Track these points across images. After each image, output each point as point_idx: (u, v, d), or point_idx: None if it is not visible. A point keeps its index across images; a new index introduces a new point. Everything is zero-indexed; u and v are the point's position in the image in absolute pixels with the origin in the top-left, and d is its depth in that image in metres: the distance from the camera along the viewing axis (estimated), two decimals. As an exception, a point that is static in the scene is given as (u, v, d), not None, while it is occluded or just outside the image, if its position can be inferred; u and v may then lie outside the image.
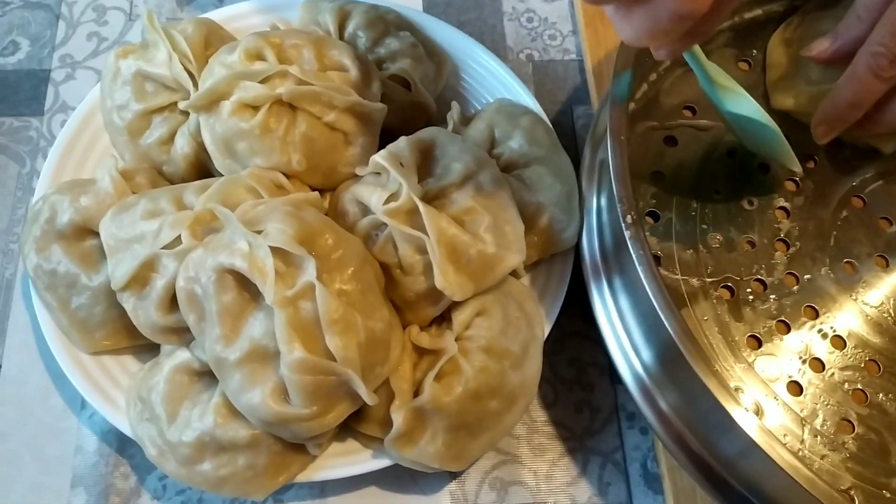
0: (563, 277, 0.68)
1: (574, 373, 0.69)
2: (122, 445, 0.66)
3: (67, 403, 0.67)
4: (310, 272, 0.56)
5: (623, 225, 0.55)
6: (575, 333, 0.70)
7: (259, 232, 0.57)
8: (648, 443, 0.67)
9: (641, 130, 0.70)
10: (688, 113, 0.74)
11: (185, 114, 0.69)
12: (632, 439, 0.67)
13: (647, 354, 0.58)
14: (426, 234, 0.60)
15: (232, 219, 0.57)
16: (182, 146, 0.68)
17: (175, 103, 0.69)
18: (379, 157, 0.62)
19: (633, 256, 0.54)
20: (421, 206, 0.60)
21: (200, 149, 0.68)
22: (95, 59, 0.80)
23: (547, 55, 0.82)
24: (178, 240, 0.61)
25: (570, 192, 0.67)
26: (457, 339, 0.61)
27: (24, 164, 0.76)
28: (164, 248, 0.60)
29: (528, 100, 0.73)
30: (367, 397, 0.56)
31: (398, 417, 0.58)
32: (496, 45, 0.81)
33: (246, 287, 0.57)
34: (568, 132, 0.77)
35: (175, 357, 0.61)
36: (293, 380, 0.55)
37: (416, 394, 0.60)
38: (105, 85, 0.71)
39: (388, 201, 0.61)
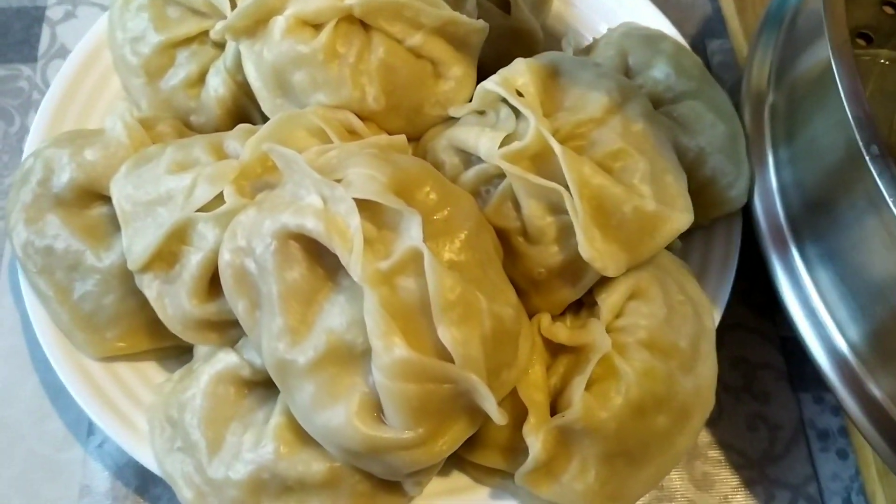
0: (729, 249, 0.51)
1: (741, 378, 0.53)
2: (144, 484, 0.49)
3: (69, 428, 0.51)
4: (412, 234, 0.39)
5: (867, 158, 0.38)
6: (737, 326, 0.54)
7: (337, 182, 0.40)
8: (850, 469, 0.50)
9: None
10: (862, 42, 0.58)
11: (220, 46, 0.53)
12: (828, 466, 0.50)
13: (856, 333, 0.44)
14: (563, 185, 0.43)
15: (298, 162, 0.41)
16: (216, 87, 0.52)
17: (206, 32, 0.53)
18: (491, 84, 0.46)
19: (889, 200, 0.37)
20: (556, 147, 0.43)
21: (240, 90, 0.53)
22: (102, -7, 0.64)
23: (667, -20, 0.66)
24: (218, 200, 0.44)
25: (735, 134, 0.51)
26: (606, 331, 0.44)
27: (11, 121, 0.59)
28: (199, 210, 0.43)
29: (662, 24, 0.56)
30: (496, 414, 0.39)
31: (535, 442, 0.41)
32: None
33: (319, 259, 0.40)
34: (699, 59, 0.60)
35: (216, 361, 0.44)
36: (392, 390, 0.38)
37: (553, 408, 0.43)
38: (115, 13, 0.55)
39: (503, 144, 0.45)
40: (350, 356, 0.39)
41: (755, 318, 0.54)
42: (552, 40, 0.58)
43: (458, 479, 0.46)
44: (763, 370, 0.53)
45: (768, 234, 0.49)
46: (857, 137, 0.40)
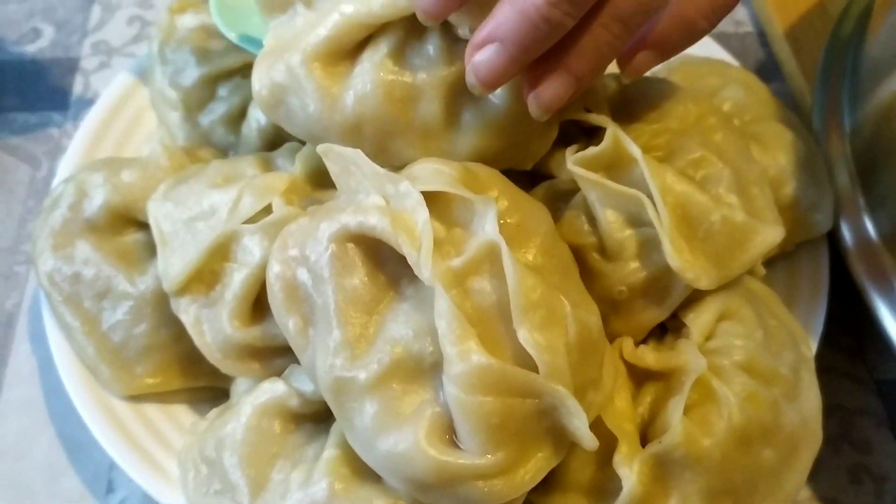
0: (818, 276, 0.47)
1: (837, 426, 0.47)
2: (170, 545, 0.42)
3: (86, 486, 0.45)
4: (487, 228, 0.35)
5: None
6: (827, 370, 0.48)
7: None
8: (973, 525, 0.44)
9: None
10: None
11: (264, 79, 0.50)
12: (946, 521, 0.44)
13: None
14: (645, 192, 0.39)
15: (358, 159, 0.37)
16: (258, 118, 0.49)
17: (249, 66, 0.50)
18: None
19: None
20: (636, 152, 0.39)
21: (286, 122, 0.49)
22: (137, 46, 0.63)
23: (716, 29, 0.64)
24: (264, 214, 0.40)
25: (815, 157, 0.48)
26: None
27: (38, 166, 0.57)
28: (245, 223, 0.40)
29: (723, 56, 0.54)
30: (587, 435, 0.33)
31: (629, 474, 0.35)
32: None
33: (380, 266, 0.36)
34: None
35: (260, 392, 0.39)
36: (468, 404, 0.33)
37: (643, 441, 0.38)
38: (155, 50, 0.53)
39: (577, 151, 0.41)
40: (418, 369, 0.34)
41: (846, 361, 0.49)
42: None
43: (532, 531, 0.40)
44: (861, 417, 0.47)
45: (860, 260, 0.45)
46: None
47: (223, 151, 0.51)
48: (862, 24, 0.54)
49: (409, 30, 0.39)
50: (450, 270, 0.34)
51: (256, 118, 0.50)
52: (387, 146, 0.39)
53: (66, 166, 0.50)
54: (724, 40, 0.64)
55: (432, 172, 0.36)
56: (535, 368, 0.33)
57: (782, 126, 0.48)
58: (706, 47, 0.55)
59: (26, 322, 0.50)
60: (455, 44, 0.39)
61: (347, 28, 0.38)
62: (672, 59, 0.52)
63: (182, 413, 0.43)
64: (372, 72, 0.39)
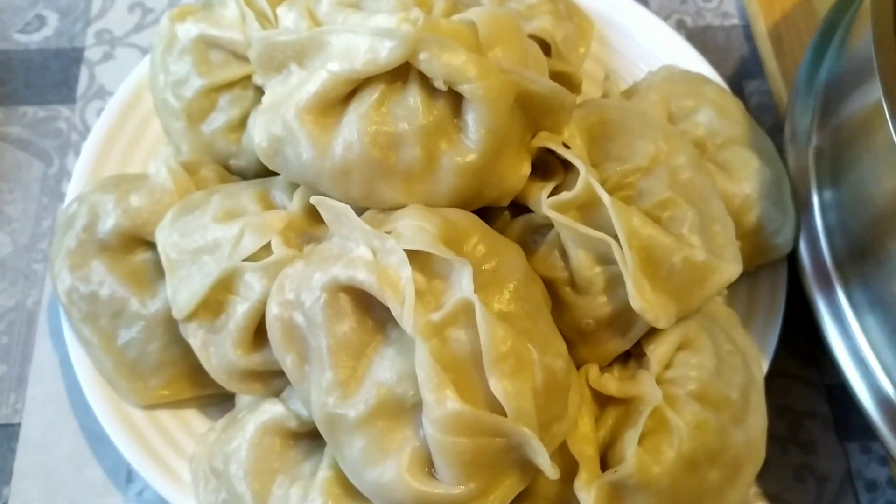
0: (775, 297, 0.51)
1: (787, 427, 0.52)
2: (185, 532, 0.48)
3: (108, 475, 0.50)
4: (463, 285, 0.39)
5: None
6: (781, 374, 0.53)
7: (387, 234, 0.40)
8: (901, 522, 0.49)
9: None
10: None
11: (262, 91, 0.52)
12: (877, 518, 0.49)
13: None
14: (612, 235, 0.42)
15: (347, 214, 0.40)
16: (258, 132, 0.52)
17: (248, 77, 0.53)
18: (537, 139, 0.45)
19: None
20: (605, 197, 0.43)
21: (282, 135, 0.51)
22: (140, 35, 0.65)
23: (702, 20, 0.66)
24: (264, 250, 0.44)
25: (780, 180, 0.51)
26: (656, 383, 0.43)
27: (50, 162, 0.59)
28: (246, 260, 0.43)
29: (702, 67, 0.56)
30: (549, 469, 0.38)
31: (587, 498, 0.40)
32: (637, 7, 0.65)
33: (368, 312, 0.40)
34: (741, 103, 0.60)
35: (262, 412, 0.44)
36: (444, 444, 0.37)
37: (603, 461, 0.43)
38: (156, 57, 0.55)
39: (552, 193, 0.44)
40: (401, 410, 0.39)
41: (800, 365, 0.53)
42: (590, 82, 0.58)
43: (504, 532, 0.45)
44: (809, 419, 0.52)
45: (814, 280, 0.48)
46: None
47: (225, 159, 0.54)
48: (845, 32, 0.55)
49: (390, 83, 0.42)
50: (430, 324, 0.38)
51: (255, 130, 0.53)
52: (373, 189, 0.43)
53: (77, 179, 0.53)
54: (709, 33, 0.66)
55: (416, 230, 0.40)
56: (504, 411, 0.38)
57: (750, 152, 0.50)
58: (688, 57, 0.57)
59: (46, 319, 0.55)
60: (433, 95, 0.42)
61: (334, 84, 0.41)
62: (655, 72, 0.55)
63: (193, 418, 0.48)
64: (358, 122, 0.42)
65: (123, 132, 0.55)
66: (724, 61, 0.64)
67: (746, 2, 0.65)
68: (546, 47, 0.55)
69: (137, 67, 0.56)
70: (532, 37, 0.54)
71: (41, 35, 0.65)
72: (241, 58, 0.53)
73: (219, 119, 0.53)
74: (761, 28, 0.63)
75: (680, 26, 0.66)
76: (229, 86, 0.53)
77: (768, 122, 0.61)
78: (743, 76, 0.63)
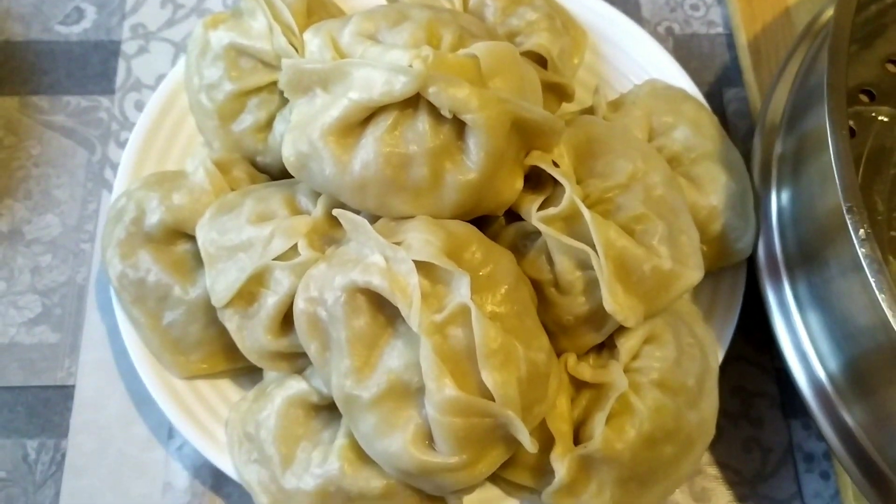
0: (734, 294, 0.58)
1: (739, 405, 0.59)
2: (218, 482, 0.57)
3: (152, 432, 0.58)
4: (462, 292, 0.46)
5: (855, 241, 0.44)
6: (738, 358, 0.60)
7: (397, 244, 0.47)
8: (831, 489, 0.57)
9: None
10: (864, 98, 0.64)
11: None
12: (811, 485, 0.57)
13: (835, 367, 0.51)
14: (591, 245, 0.49)
15: (364, 227, 0.47)
16: (281, 132, 0.58)
17: (275, 83, 0.59)
18: (533, 158, 0.52)
19: (872, 281, 0.44)
20: (586, 213, 0.49)
21: (304, 136, 0.58)
22: (171, 30, 0.70)
23: (689, 28, 0.71)
24: (292, 251, 0.51)
25: (745, 192, 0.57)
26: (624, 371, 0.51)
27: (93, 150, 0.66)
28: (276, 259, 0.50)
29: (684, 82, 0.62)
30: (529, 444, 0.46)
31: (561, 467, 0.48)
32: (629, 17, 0.70)
33: (381, 309, 0.47)
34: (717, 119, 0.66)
35: (287, 387, 0.52)
36: (442, 423, 0.45)
37: (576, 436, 0.51)
38: (191, 60, 0.61)
39: (542, 207, 0.51)
40: (406, 393, 0.47)
41: (754, 351, 0.61)
42: (583, 89, 0.64)
43: (491, 490, 0.53)
44: (759, 398, 0.60)
45: (767, 275, 0.55)
46: (844, 209, 0.46)
47: (252, 155, 0.60)
48: (816, 49, 0.61)
49: (402, 110, 0.48)
50: (433, 323, 0.45)
51: (280, 131, 0.59)
52: (386, 202, 0.50)
53: (123, 173, 0.59)
54: (695, 40, 0.71)
55: (423, 243, 0.47)
56: (493, 397, 0.45)
57: (720, 167, 0.57)
58: (672, 72, 0.63)
59: (94, 293, 0.62)
60: (439, 122, 0.48)
61: (354, 110, 0.48)
62: (640, 85, 0.61)
63: (227, 387, 0.56)
64: (374, 144, 0.48)
65: (162, 128, 0.61)
66: (706, 68, 0.70)
67: (731, 13, 0.71)
68: (543, 61, 0.61)
69: (175, 68, 0.62)
70: (530, 52, 0.60)
71: (80, 27, 0.70)
72: (269, 65, 0.59)
73: (247, 120, 0.59)
74: (742, 39, 0.68)
75: (669, 33, 0.71)
76: (257, 90, 0.59)
77: (743, 127, 0.67)
78: (723, 83, 0.69)
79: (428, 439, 0.46)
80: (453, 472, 0.46)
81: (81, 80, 0.68)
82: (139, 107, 0.67)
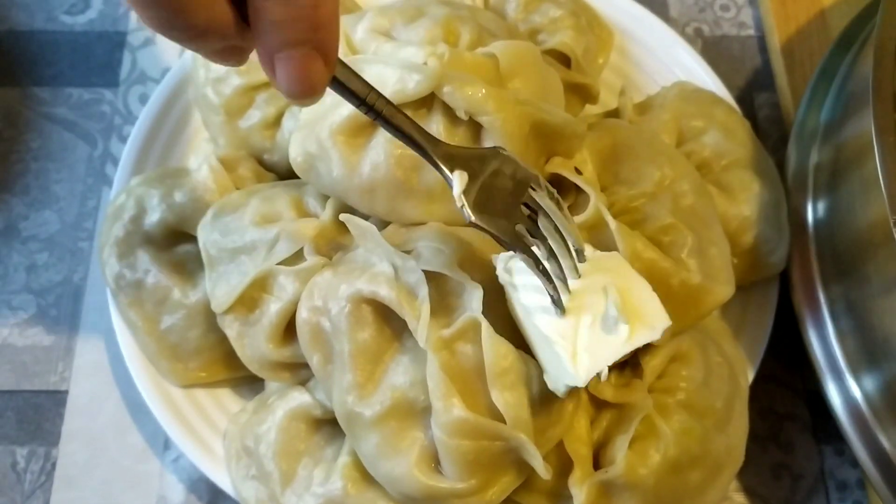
0: (765, 311, 0.54)
1: (769, 428, 0.56)
2: (215, 498, 0.54)
3: (147, 442, 0.55)
4: (473, 305, 0.43)
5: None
6: (768, 378, 0.57)
7: (407, 252, 0.44)
8: (866, 520, 0.53)
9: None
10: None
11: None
12: (844, 515, 0.54)
13: (873, 389, 0.49)
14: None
15: (373, 233, 0.44)
16: (290, 129, 0.55)
17: (283, 77, 0.56)
18: (551, 165, 0.49)
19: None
20: (612, 224, 0.46)
21: (314, 135, 0.55)
22: (180, 21, 0.67)
23: (719, 30, 0.68)
24: (297, 255, 0.48)
25: (779, 202, 0.54)
26: (648, 391, 0.47)
27: (95, 144, 0.63)
28: (279, 263, 0.48)
29: (714, 85, 0.59)
30: (542, 470, 0.43)
31: (579, 493, 0.45)
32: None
33: (387, 322, 0.45)
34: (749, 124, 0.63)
35: (289, 399, 0.49)
36: (449, 445, 0.42)
37: (596, 459, 0.47)
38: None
39: (563, 212, 0.48)
40: (411, 412, 0.44)
41: (785, 371, 0.57)
42: (607, 91, 0.61)
43: (504, 515, 0.50)
44: (789, 421, 0.56)
45: (801, 290, 0.52)
46: (891, 222, 0.43)
47: (259, 153, 0.57)
48: (855, 53, 0.58)
49: (416, 110, 0.45)
50: (440, 339, 0.43)
51: (289, 129, 0.56)
52: (396, 206, 0.47)
53: (123, 169, 0.56)
54: (725, 42, 0.68)
55: (434, 252, 0.44)
56: (504, 418, 0.42)
57: (752, 175, 0.53)
58: (701, 73, 0.60)
59: (91, 294, 0.59)
60: (454, 123, 0.45)
61: (365, 108, 0.45)
62: (668, 88, 0.58)
63: (226, 397, 0.53)
64: (385, 145, 0.45)
65: (166, 123, 0.59)
66: (736, 72, 0.66)
67: (763, 15, 0.67)
68: (566, 60, 0.58)
69: (181, 60, 0.60)
70: (553, 51, 0.57)
71: (86, 17, 0.68)
72: (278, 59, 0.56)
73: (255, 116, 0.57)
74: (775, 42, 0.65)
75: (698, 34, 0.68)
76: (266, 85, 0.57)
77: (775, 134, 0.64)
78: (754, 87, 0.65)
79: (434, 462, 0.44)
80: (461, 498, 0.43)
81: (85, 71, 0.66)
82: (143, 100, 0.64)
